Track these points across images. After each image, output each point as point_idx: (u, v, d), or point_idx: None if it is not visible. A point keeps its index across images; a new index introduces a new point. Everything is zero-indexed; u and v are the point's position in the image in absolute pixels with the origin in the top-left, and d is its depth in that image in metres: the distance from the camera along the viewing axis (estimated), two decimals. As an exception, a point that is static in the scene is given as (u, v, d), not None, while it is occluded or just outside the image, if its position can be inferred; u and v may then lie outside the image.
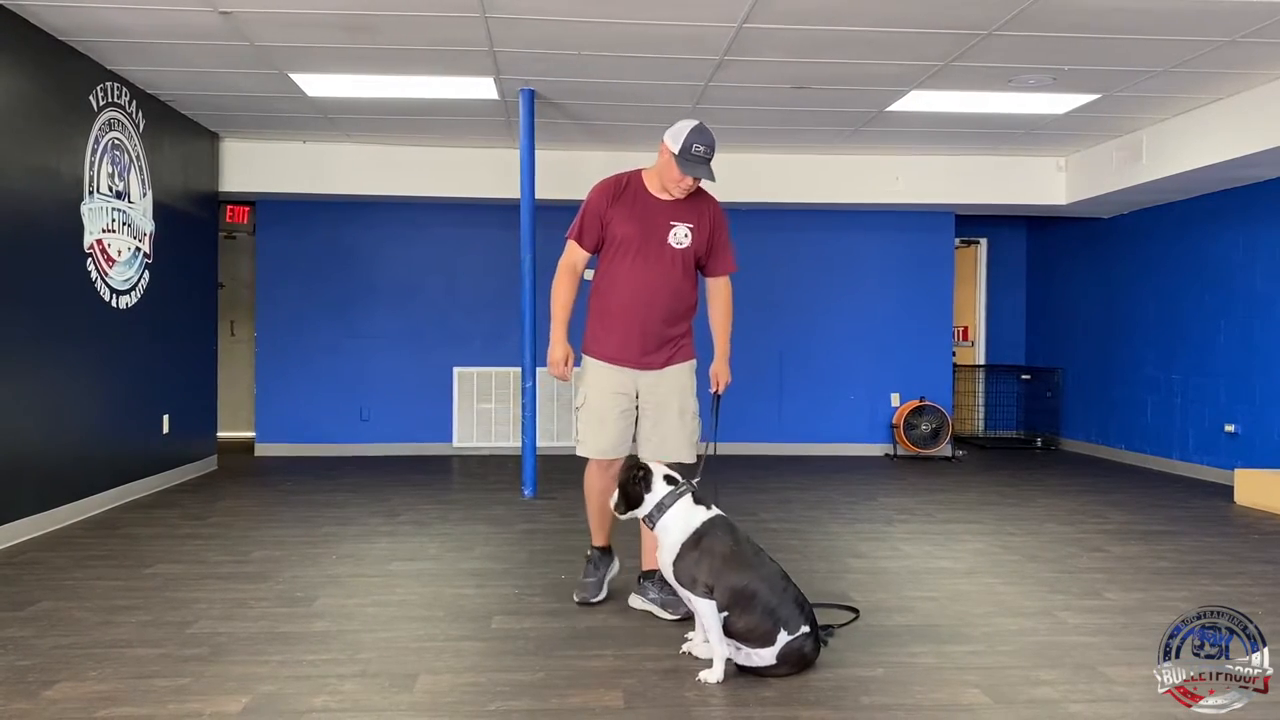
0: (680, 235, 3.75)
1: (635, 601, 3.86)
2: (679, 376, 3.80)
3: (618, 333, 3.76)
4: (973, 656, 3.28)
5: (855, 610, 3.68)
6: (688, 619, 3.51)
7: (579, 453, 3.86)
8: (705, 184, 3.78)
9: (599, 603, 3.90)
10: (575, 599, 3.92)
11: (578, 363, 3.83)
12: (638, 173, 3.83)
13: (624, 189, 3.79)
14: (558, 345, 3.78)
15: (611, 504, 3.36)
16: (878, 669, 3.14)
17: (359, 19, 5.05)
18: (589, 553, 4.02)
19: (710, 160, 3.65)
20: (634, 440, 3.85)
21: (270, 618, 3.63)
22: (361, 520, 5.60)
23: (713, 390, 3.88)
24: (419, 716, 2.73)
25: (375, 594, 4.00)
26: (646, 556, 3.84)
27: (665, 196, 3.76)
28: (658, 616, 3.73)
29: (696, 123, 3.64)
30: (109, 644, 3.31)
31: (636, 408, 3.80)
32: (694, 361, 3.88)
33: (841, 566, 4.55)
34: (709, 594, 3.03)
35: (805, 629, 3.02)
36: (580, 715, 2.74)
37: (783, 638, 2.99)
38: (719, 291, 3.91)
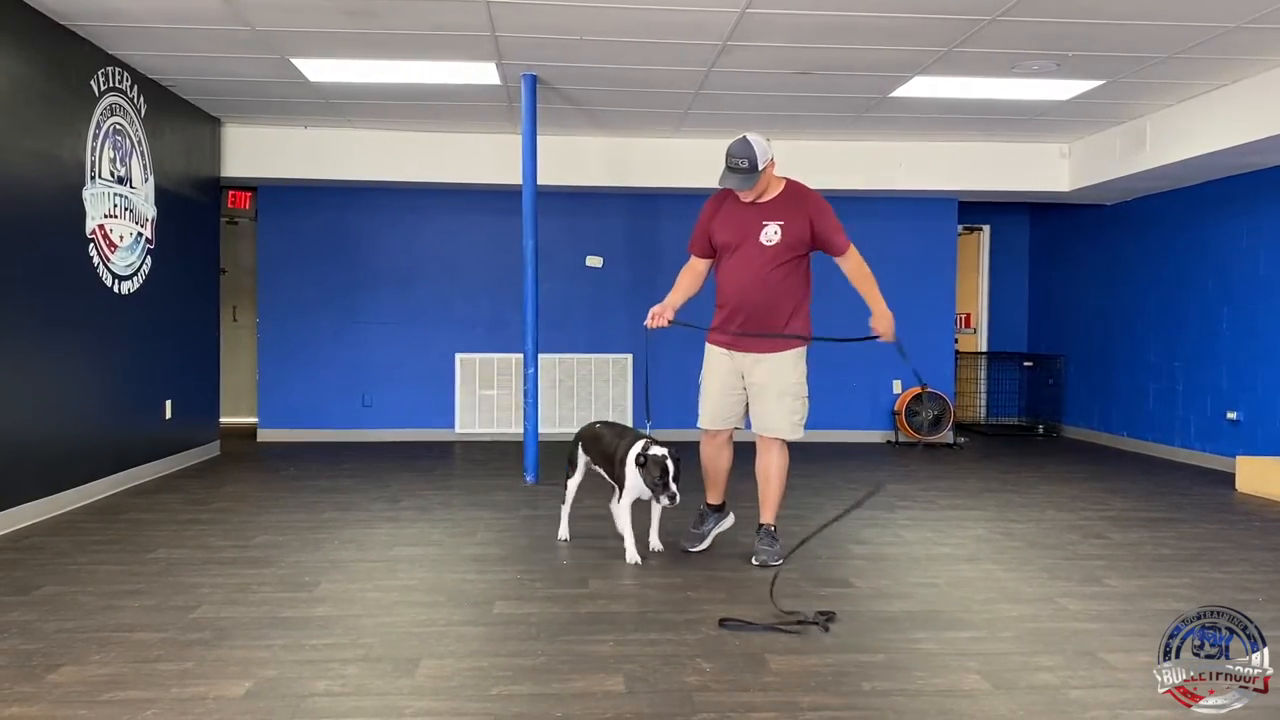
0: (770, 233, 4.16)
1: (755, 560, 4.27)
2: (779, 363, 4.22)
3: (723, 321, 4.28)
4: (973, 642, 3.29)
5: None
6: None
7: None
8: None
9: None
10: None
11: (696, 338, 4.42)
12: None
13: (723, 202, 4.28)
14: (664, 304, 4.31)
15: None
16: (879, 655, 3.14)
17: (360, 3, 5.03)
18: (701, 508, 4.56)
19: (743, 169, 4.04)
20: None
21: (273, 602, 3.65)
22: (364, 506, 5.62)
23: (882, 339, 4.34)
24: (421, 701, 2.74)
25: (377, 579, 4.02)
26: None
27: (756, 201, 4.21)
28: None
29: (742, 135, 4.09)
30: (112, 628, 3.32)
31: (745, 389, 4.29)
32: (799, 350, 4.26)
33: (843, 552, 4.56)
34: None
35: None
36: (582, 700, 2.75)
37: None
38: (846, 265, 4.32)
